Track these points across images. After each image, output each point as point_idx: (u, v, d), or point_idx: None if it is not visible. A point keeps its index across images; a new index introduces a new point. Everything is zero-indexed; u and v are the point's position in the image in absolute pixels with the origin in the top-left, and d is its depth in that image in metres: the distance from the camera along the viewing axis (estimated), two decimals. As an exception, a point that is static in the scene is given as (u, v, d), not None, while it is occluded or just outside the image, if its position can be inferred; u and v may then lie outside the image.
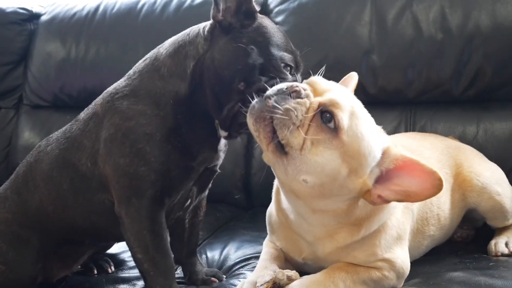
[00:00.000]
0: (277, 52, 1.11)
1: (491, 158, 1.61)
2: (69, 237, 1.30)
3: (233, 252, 1.56)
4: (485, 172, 1.47)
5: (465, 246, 1.50)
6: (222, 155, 1.27)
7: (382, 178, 1.06)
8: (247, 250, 1.55)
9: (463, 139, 1.74)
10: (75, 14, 2.31)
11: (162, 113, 1.13)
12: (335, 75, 1.91)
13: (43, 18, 2.38)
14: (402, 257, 1.21)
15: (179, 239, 1.37)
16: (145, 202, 1.13)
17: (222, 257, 1.55)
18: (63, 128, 1.30)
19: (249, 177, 2.04)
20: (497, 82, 1.81)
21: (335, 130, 1.02)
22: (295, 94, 1.04)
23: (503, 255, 1.39)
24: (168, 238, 1.18)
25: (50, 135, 1.33)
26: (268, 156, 1.07)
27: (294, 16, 2.00)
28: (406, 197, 1.04)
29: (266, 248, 1.36)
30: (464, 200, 1.45)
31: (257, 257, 1.46)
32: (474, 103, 1.86)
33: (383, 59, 1.89)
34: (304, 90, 1.05)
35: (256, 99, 1.05)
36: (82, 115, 1.26)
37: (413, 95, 1.90)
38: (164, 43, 1.21)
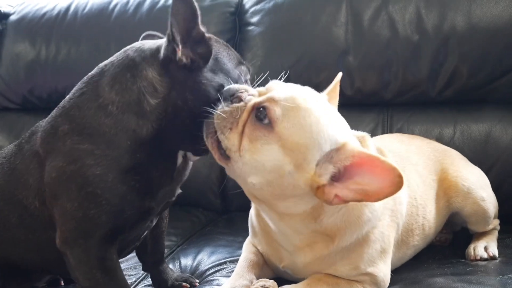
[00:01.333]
0: (237, 72, 1.11)
1: (468, 159, 1.60)
2: (21, 269, 1.22)
3: (207, 257, 1.52)
4: (471, 176, 1.46)
5: (443, 250, 1.49)
6: (186, 175, 1.20)
7: (342, 176, 1.00)
8: (221, 255, 1.51)
9: (440, 141, 1.72)
10: (45, 14, 2.24)
11: (115, 154, 1.03)
12: (311, 75, 1.92)
13: (12, 17, 2.30)
14: (384, 271, 1.19)
15: (143, 251, 1.32)
16: (93, 242, 1.04)
17: (195, 262, 1.51)
18: (8, 152, 1.19)
19: (225, 181, 2.00)
20: (473, 83, 1.80)
21: (270, 124, 1.01)
22: (237, 99, 1.05)
23: (482, 259, 1.38)
24: (121, 270, 1.10)
25: None
26: (221, 163, 1.08)
27: (270, 17, 1.97)
28: (365, 196, 0.97)
29: (246, 252, 1.32)
30: (448, 206, 1.43)
31: (232, 261, 1.45)
32: (450, 104, 1.85)
33: (359, 60, 1.87)
34: (250, 94, 1.06)
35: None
36: (25, 146, 1.14)
37: (390, 97, 1.89)
38: (99, 72, 1.09)
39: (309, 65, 1.89)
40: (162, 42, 1.07)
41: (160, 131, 1.04)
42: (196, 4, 1.03)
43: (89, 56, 2.14)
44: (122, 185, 1.03)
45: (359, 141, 1.08)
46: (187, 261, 1.52)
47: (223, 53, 1.11)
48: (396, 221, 1.24)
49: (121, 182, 1.03)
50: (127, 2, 2.15)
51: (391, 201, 1.20)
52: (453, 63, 1.79)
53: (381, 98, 1.90)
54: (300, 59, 1.91)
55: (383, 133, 1.87)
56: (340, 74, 1.33)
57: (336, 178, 1.00)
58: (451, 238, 1.58)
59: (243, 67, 1.14)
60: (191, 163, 1.21)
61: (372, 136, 1.16)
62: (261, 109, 1.02)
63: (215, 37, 1.13)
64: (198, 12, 1.04)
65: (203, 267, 1.47)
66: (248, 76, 1.15)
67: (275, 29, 1.96)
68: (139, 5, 2.12)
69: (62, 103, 1.11)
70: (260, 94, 1.07)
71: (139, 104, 1.03)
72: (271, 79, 1.91)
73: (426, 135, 1.78)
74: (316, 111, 1.03)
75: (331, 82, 1.94)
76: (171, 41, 1.02)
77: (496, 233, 1.52)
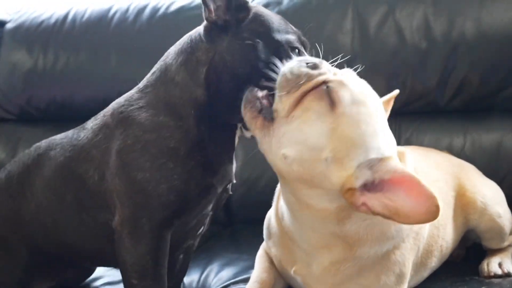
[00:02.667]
0: (281, 37, 1.07)
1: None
2: (66, 258, 1.22)
3: (213, 277, 1.47)
4: (488, 192, 1.41)
5: (455, 266, 1.43)
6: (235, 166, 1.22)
7: (375, 187, 0.95)
8: (225, 274, 1.46)
9: (450, 151, 1.69)
10: (42, 22, 2.17)
11: (186, 125, 1.06)
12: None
13: (8, 26, 2.23)
14: None
15: (170, 270, 1.25)
16: (156, 223, 1.04)
17: (200, 283, 1.45)
18: (69, 133, 1.20)
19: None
20: (484, 91, 1.76)
21: (333, 104, 0.95)
22: (312, 65, 1.00)
23: (495, 276, 1.33)
24: (166, 267, 1.10)
25: (52, 138, 1.24)
26: (257, 134, 1.02)
27: (273, 24, 1.92)
28: (393, 215, 0.92)
29: (258, 271, 1.28)
30: (465, 224, 1.38)
31: (236, 283, 1.40)
32: (460, 113, 1.81)
33: (366, 68, 1.82)
34: (324, 66, 1.01)
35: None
36: (90, 124, 1.17)
37: (398, 106, 1.81)
38: (166, 54, 1.15)
39: (314, 74, 1.85)
40: None
41: (212, 99, 1.06)
42: None
43: (89, 65, 2.09)
44: (191, 160, 1.05)
45: (398, 156, 1.02)
46: (192, 281, 1.46)
47: (266, 16, 1.09)
48: (417, 244, 1.18)
49: (190, 156, 1.05)
50: (127, 10, 2.10)
51: None
52: (462, 71, 1.75)
53: (388, 107, 1.85)
54: (305, 67, 1.86)
55: (391, 143, 1.82)
56: (397, 91, 1.32)
57: (368, 187, 0.95)
58: (463, 254, 1.53)
59: (290, 36, 1.09)
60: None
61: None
62: (327, 87, 0.97)
63: (261, 6, 1.15)
64: None
65: (208, 288, 1.42)
66: (297, 45, 1.10)
67: (279, 37, 1.91)
68: (139, 13, 2.07)
69: (137, 86, 1.16)
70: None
71: (196, 73, 1.07)
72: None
73: (436, 145, 1.74)
74: (378, 116, 1.01)
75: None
76: (203, 2, 1.06)
77: (511, 250, 1.46)
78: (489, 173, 1.59)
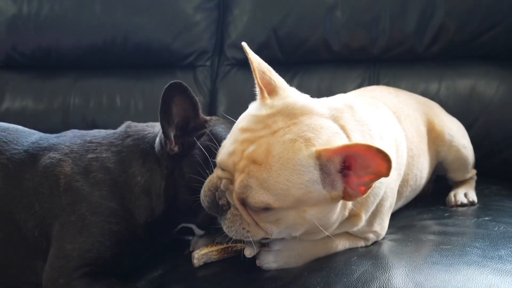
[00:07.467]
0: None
1: (451, 114, 1.63)
2: None
3: None
4: (454, 126, 1.50)
5: (423, 199, 1.52)
6: None
7: (346, 170, 0.95)
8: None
9: (425, 95, 1.74)
10: (26, -33, 2.16)
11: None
12: (298, 31, 1.91)
13: (-9, -29, 2.23)
14: (386, 226, 1.21)
15: None
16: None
17: None
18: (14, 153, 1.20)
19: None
20: (460, 38, 1.81)
21: (268, 209, 0.97)
22: (225, 204, 1.03)
23: (462, 204, 1.44)
24: None
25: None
26: None
27: (257, -29, 1.94)
28: (374, 176, 0.92)
29: None
30: (436, 156, 1.47)
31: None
32: (437, 60, 1.86)
33: (347, 15, 1.86)
34: (222, 189, 1.02)
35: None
36: (41, 160, 1.18)
37: (377, 53, 1.89)
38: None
39: (296, 21, 1.88)
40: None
41: (166, 208, 1.17)
42: (195, 97, 1.12)
43: (73, 12, 2.09)
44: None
45: (338, 116, 1.03)
46: None
47: (219, 128, 1.18)
48: (400, 173, 1.23)
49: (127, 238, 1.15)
50: (112, -46, 2.09)
51: (394, 152, 1.18)
52: (440, 18, 1.79)
53: (368, 54, 1.90)
54: (288, 14, 1.89)
55: (369, 88, 1.88)
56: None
57: (345, 176, 0.95)
58: (432, 187, 1.62)
59: None
60: None
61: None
62: (251, 205, 0.97)
63: (219, 118, 1.23)
64: (199, 105, 1.14)
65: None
66: None
67: (262, -16, 1.93)
68: (123, -42, 2.06)
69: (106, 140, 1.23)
70: (223, 175, 1.03)
71: (158, 186, 1.18)
72: (257, 37, 1.90)
73: (412, 90, 1.78)
74: (275, 158, 0.94)
75: (319, 38, 1.92)
76: (162, 135, 1.13)
77: (473, 183, 1.57)
78: (462, 115, 1.67)
